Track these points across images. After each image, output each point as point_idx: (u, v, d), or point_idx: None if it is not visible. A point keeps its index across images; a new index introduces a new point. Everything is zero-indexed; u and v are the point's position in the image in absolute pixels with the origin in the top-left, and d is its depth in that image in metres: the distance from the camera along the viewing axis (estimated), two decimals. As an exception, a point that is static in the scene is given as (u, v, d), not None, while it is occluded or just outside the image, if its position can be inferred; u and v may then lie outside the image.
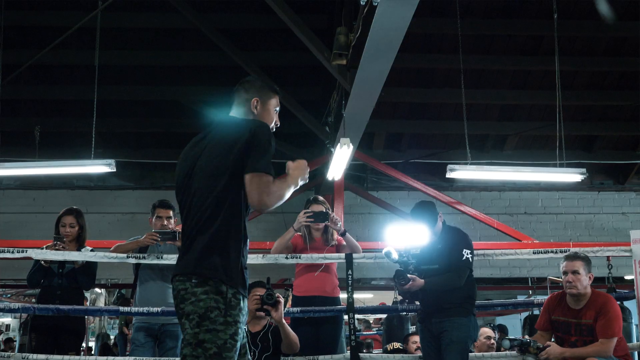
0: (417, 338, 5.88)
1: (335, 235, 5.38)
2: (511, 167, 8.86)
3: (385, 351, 6.39)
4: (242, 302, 2.85)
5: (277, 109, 3.17)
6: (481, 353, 5.46)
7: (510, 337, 4.90)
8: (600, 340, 4.51)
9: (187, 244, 2.91)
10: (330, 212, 5.29)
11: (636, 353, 5.72)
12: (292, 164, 3.09)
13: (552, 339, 4.80)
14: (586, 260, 4.71)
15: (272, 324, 4.71)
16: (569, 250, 5.27)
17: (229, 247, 2.85)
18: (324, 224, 5.29)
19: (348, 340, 5.25)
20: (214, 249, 2.83)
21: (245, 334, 2.96)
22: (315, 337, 5.16)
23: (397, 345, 6.37)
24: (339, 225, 5.30)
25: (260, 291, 4.60)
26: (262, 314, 4.60)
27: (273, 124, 3.13)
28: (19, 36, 9.70)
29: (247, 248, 2.97)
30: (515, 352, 4.82)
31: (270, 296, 4.52)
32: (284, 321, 4.59)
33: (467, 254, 4.77)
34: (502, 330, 10.91)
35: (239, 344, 2.82)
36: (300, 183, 3.05)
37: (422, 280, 4.71)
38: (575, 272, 4.64)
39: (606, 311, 4.56)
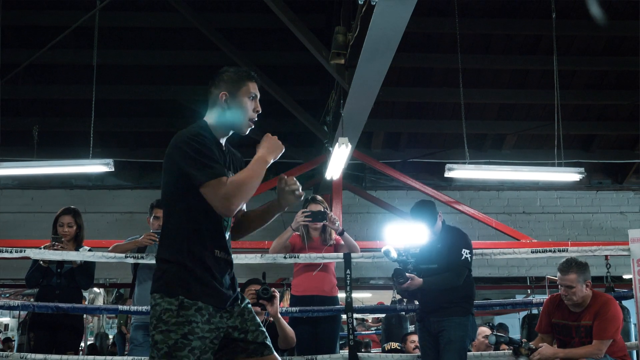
0: (415, 337, 5.88)
1: (334, 235, 5.38)
2: (509, 167, 8.86)
3: (384, 350, 6.39)
4: (197, 307, 2.78)
5: (254, 94, 2.96)
6: (479, 352, 5.46)
7: (497, 333, 4.88)
8: (594, 341, 4.51)
9: None
10: (328, 212, 5.29)
11: (635, 352, 5.72)
12: (260, 144, 2.94)
13: (554, 341, 4.79)
14: (580, 269, 4.59)
15: (267, 320, 4.73)
16: (567, 250, 5.28)
17: (182, 259, 2.81)
18: (322, 223, 5.29)
19: (346, 339, 5.25)
20: (166, 261, 2.85)
21: (212, 338, 2.84)
22: (313, 336, 5.17)
23: (394, 345, 6.37)
24: (337, 224, 5.30)
25: (257, 287, 4.64)
26: (258, 308, 4.61)
27: (252, 113, 2.96)
28: (17, 36, 9.70)
29: (214, 258, 2.86)
30: (505, 350, 4.81)
31: (265, 290, 4.55)
32: (279, 316, 4.62)
33: (466, 254, 4.76)
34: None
35: (195, 344, 2.75)
36: (271, 159, 2.90)
37: (421, 280, 4.71)
38: (569, 287, 4.58)
39: (604, 313, 4.55)
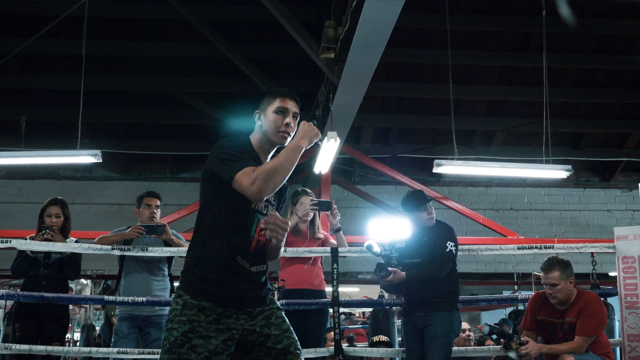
0: None
1: (322, 229, 5.39)
2: (498, 163, 8.89)
3: (371, 343, 6.43)
4: (200, 307, 2.86)
5: (283, 109, 3.04)
6: (464, 347, 5.49)
7: (491, 324, 4.89)
8: (576, 337, 4.56)
9: None
10: (333, 204, 5.28)
11: (618, 349, 5.75)
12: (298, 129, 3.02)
13: (539, 338, 4.81)
14: (562, 266, 4.64)
15: None
16: (553, 247, 5.31)
17: (196, 261, 2.94)
18: (313, 213, 5.32)
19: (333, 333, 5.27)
20: (186, 263, 3.00)
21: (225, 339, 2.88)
22: (302, 328, 5.18)
23: (383, 338, 6.39)
24: (338, 218, 5.28)
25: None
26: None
27: (281, 126, 3.02)
28: (6, 24, 9.62)
29: (235, 264, 2.93)
30: (495, 344, 4.82)
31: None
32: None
33: (451, 247, 4.78)
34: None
35: (197, 342, 2.82)
36: (305, 145, 2.94)
37: (404, 273, 4.72)
38: (553, 285, 4.62)
39: (587, 310, 4.59)
